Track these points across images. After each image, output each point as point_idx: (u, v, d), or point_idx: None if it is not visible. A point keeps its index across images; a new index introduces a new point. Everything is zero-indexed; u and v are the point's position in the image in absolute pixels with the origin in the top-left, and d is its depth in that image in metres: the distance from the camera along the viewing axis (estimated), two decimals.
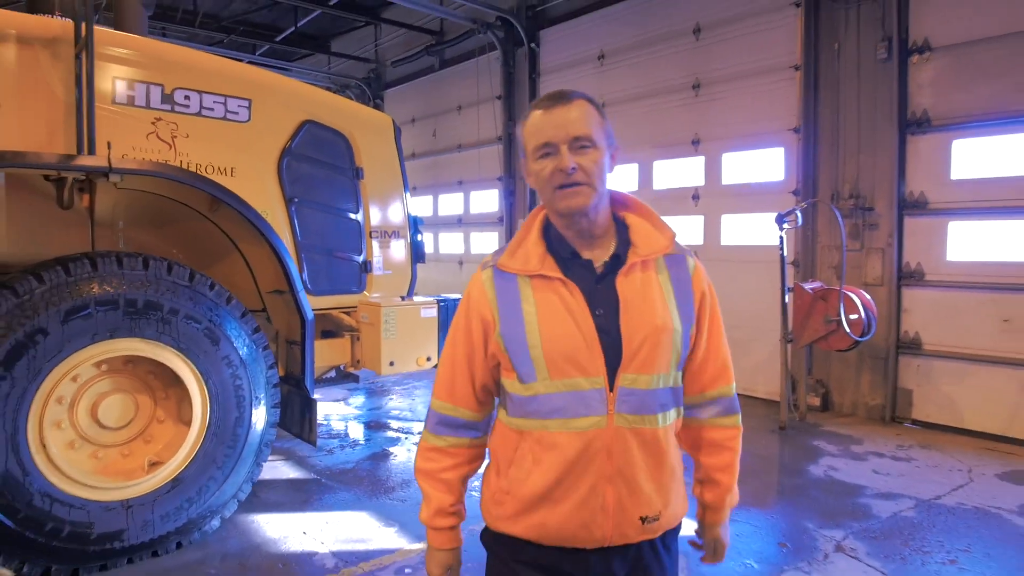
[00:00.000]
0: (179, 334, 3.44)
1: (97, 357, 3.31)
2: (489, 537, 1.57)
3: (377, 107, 12.73)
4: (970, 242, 5.53)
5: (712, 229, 7.24)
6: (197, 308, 3.49)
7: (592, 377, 1.39)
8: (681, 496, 1.53)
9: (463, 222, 11.02)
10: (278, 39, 13.00)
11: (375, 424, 6.11)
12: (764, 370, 6.64)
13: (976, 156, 5.46)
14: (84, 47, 3.41)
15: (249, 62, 13.03)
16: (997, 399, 5.38)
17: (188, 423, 3.59)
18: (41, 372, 3.11)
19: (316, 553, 3.52)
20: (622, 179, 8.17)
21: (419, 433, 5.58)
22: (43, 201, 3.70)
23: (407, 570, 3.31)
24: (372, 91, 12.88)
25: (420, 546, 3.55)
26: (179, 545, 3.54)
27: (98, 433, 3.45)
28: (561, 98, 1.42)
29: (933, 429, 5.69)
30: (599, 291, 1.43)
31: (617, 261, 1.46)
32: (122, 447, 3.55)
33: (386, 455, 5.19)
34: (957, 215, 5.58)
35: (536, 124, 1.43)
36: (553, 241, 1.48)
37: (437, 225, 11.42)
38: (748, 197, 6.90)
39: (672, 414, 1.48)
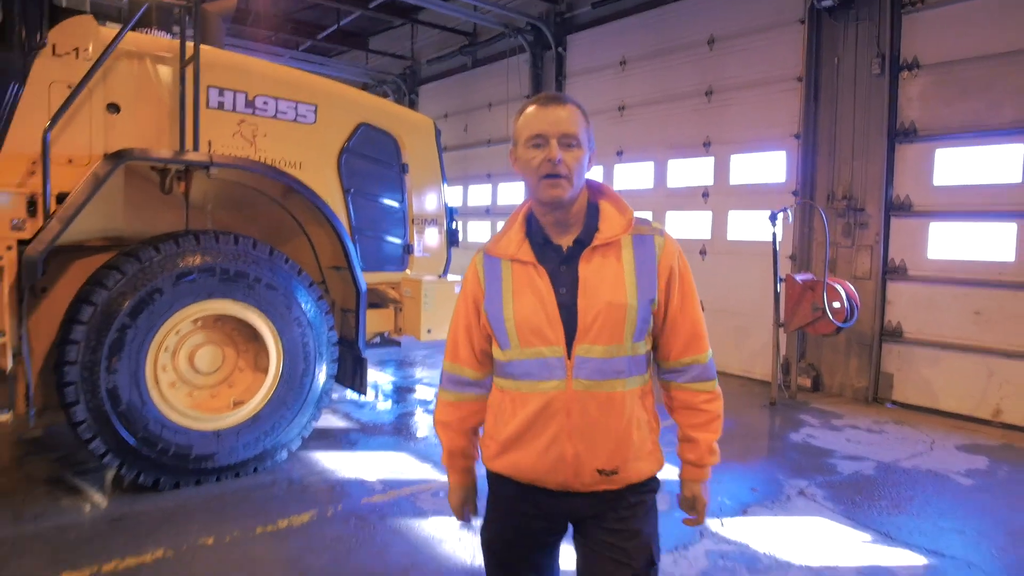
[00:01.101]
0: (261, 298, 4.23)
1: (196, 314, 4.12)
2: (487, 475, 1.83)
3: (412, 102, 13.50)
4: (948, 242, 6.13)
5: (720, 225, 7.88)
6: (275, 277, 4.27)
7: (553, 347, 1.60)
8: (647, 453, 1.68)
9: (491, 212, 11.76)
10: (320, 36, 13.78)
11: (405, 388, 6.89)
12: (762, 354, 7.26)
13: (956, 165, 6.05)
14: (191, 63, 4.19)
15: (290, 58, 13.90)
16: (968, 383, 5.99)
17: (264, 371, 4.39)
18: (156, 324, 3.92)
19: (366, 480, 4.30)
20: (639, 177, 8.84)
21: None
22: (149, 187, 4.49)
23: (441, 494, 4.07)
24: (407, 87, 13.65)
25: None
26: (255, 470, 4.34)
27: (193, 376, 4.26)
28: (556, 99, 1.62)
29: (911, 409, 6.31)
30: (563, 273, 1.62)
31: (580, 245, 1.64)
32: (211, 389, 4.36)
33: (417, 412, 5.96)
34: (938, 217, 6.18)
35: (531, 117, 1.60)
36: (532, 229, 1.69)
37: (466, 214, 12.15)
38: (753, 196, 7.52)
39: (634, 380, 1.65)
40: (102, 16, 4.39)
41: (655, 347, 1.73)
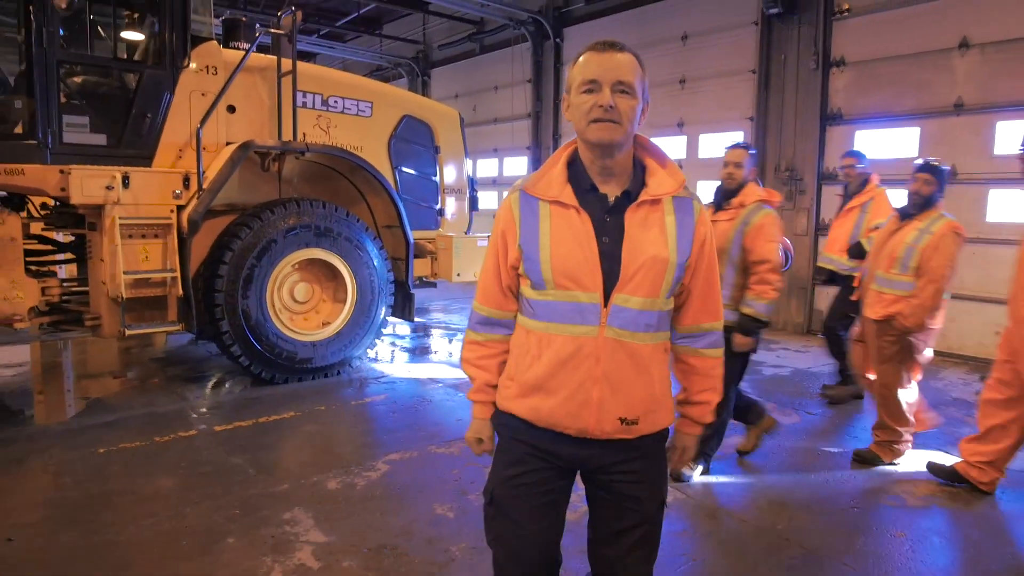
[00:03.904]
0: (341, 248, 5.83)
1: (297, 259, 5.72)
2: (497, 416, 1.83)
3: (424, 84, 14.94)
4: None
5: None
6: (351, 232, 5.88)
7: (590, 293, 1.58)
8: (664, 408, 1.72)
9: (497, 183, 13.31)
10: (339, 23, 15.18)
11: (431, 327, 8.55)
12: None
13: (871, 143, 7.61)
14: (289, 74, 5.73)
15: (308, 44, 15.25)
16: None
17: (341, 302, 6.01)
18: (273, 265, 5.53)
19: (419, 378, 5.97)
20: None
21: (458, 331, 8.03)
22: (252, 167, 6.04)
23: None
24: (420, 69, 15.07)
25: None
26: (338, 372, 6.00)
27: (292, 304, 5.88)
28: (613, 45, 1.55)
29: None
30: (608, 222, 1.60)
31: (628, 197, 1.61)
32: (304, 314, 5.98)
33: (443, 341, 7.63)
34: None
35: (587, 62, 1.55)
36: (576, 174, 1.64)
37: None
38: (717, 168, 9.04)
39: (660, 335, 1.67)
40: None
41: (675, 313, 1.76)
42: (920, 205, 4.02)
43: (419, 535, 3.18)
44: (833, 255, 5.66)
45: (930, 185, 3.98)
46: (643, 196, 1.61)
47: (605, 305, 1.59)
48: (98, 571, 2.87)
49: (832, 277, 5.69)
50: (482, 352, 1.84)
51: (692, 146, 9.41)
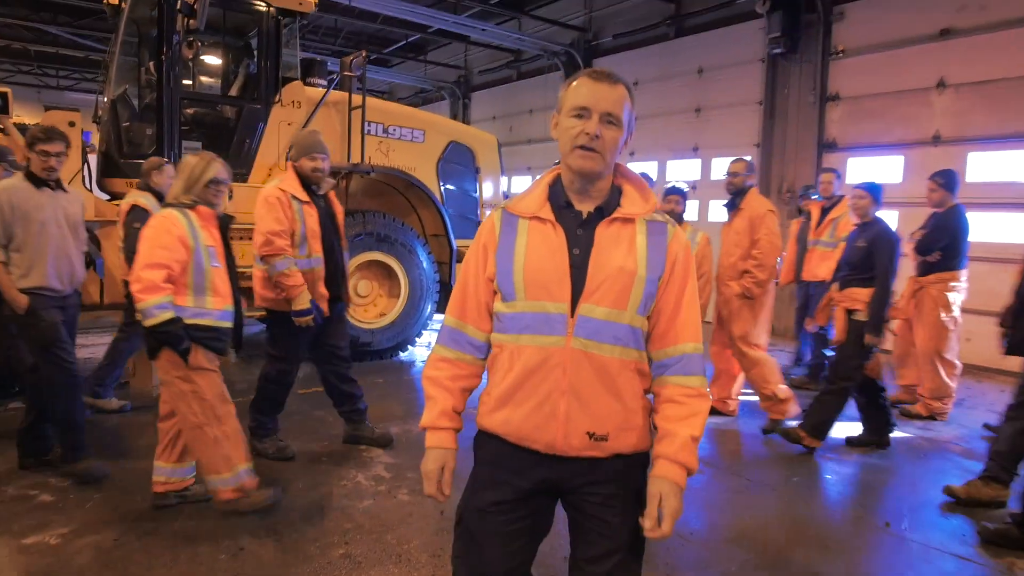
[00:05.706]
0: (398, 252, 7.01)
1: (360, 260, 6.90)
2: (477, 437, 1.79)
3: (465, 106, 16.21)
4: None
5: (704, 211, 10.48)
6: (406, 239, 7.05)
7: (558, 303, 1.62)
8: (637, 427, 1.67)
9: None
10: (387, 50, 16.55)
11: None
12: None
13: (861, 169, 8.56)
14: (358, 108, 6.95)
15: None
16: None
17: (395, 297, 7.17)
18: None
19: None
20: (646, 173, 11.43)
21: None
22: None
23: None
24: (461, 92, 16.34)
25: None
26: (391, 356, 7.16)
27: (356, 298, 7.05)
28: (607, 76, 1.63)
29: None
30: (580, 235, 1.66)
31: (600, 213, 1.67)
32: (365, 306, 7.16)
33: None
34: None
35: (581, 87, 1.62)
36: (555, 194, 1.71)
37: None
38: None
39: (631, 352, 1.65)
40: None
41: (648, 337, 1.70)
42: (675, 222, 5.09)
43: (463, 462, 4.25)
44: None
45: (680, 204, 5.19)
46: (616, 214, 1.67)
47: (572, 315, 1.62)
48: None
49: None
50: (448, 371, 1.79)
51: (706, 169, 10.43)
